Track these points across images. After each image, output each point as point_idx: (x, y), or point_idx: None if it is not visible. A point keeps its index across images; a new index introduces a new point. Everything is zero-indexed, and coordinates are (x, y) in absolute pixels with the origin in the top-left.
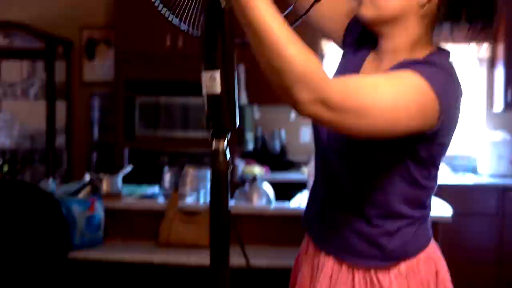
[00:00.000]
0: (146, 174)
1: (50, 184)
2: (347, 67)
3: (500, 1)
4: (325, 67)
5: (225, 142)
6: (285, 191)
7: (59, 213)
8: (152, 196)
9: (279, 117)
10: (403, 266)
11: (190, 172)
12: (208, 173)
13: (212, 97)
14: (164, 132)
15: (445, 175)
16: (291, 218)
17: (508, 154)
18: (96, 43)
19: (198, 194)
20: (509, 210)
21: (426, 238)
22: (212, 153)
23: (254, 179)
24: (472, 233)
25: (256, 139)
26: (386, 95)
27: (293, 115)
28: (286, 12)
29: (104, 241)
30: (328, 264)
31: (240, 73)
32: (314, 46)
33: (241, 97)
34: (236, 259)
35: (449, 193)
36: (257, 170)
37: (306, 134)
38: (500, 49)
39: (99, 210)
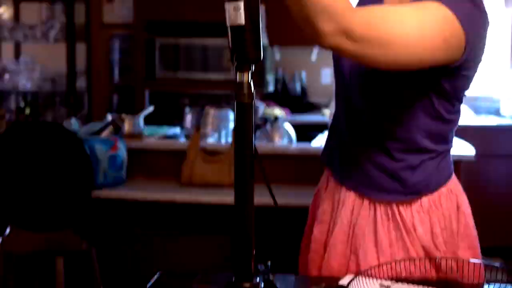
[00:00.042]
0: (167, 116)
1: (73, 124)
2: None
3: None
4: None
5: (249, 74)
6: (305, 133)
7: (82, 152)
8: (174, 137)
9: (299, 58)
10: (425, 200)
11: (211, 112)
12: (229, 114)
13: (235, 29)
14: (184, 74)
15: (467, 117)
16: (313, 157)
17: None
18: None
19: (219, 134)
20: None
21: (448, 172)
22: (236, 85)
23: (275, 119)
24: (494, 175)
25: (276, 81)
26: (411, 25)
27: (314, 56)
28: None
29: (127, 180)
30: (349, 199)
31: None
32: None
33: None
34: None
35: (471, 134)
36: (278, 112)
37: (327, 75)
38: None
39: (121, 150)
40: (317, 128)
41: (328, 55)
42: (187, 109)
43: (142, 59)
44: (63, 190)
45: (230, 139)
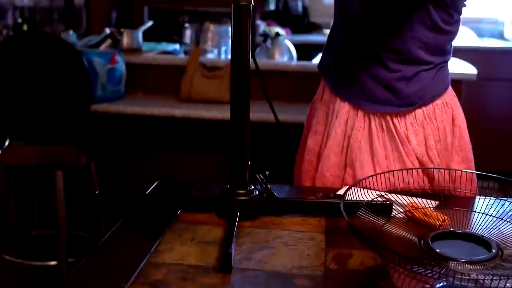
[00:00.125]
0: (166, 32)
1: (71, 36)
2: None
3: None
4: None
5: None
6: (306, 53)
7: (81, 64)
8: (173, 53)
9: None
10: (419, 112)
11: (211, 28)
12: (229, 30)
13: None
14: None
15: (470, 39)
16: (313, 74)
17: None
18: None
19: (219, 50)
20: None
21: (444, 85)
22: None
23: (276, 35)
24: (495, 99)
25: None
26: None
27: None
28: None
29: (125, 95)
30: (343, 109)
31: None
32: None
33: None
34: (257, 114)
35: (473, 57)
36: (279, 31)
37: None
38: None
39: (120, 63)
40: (318, 48)
41: None
42: (187, 25)
43: None
44: (61, 103)
45: (230, 56)
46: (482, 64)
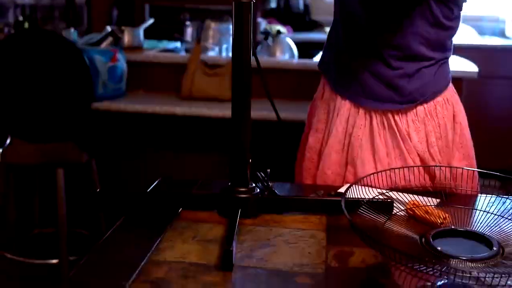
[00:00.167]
0: (167, 30)
1: (72, 33)
2: None
3: None
4: None
5: None
6: (307, 51)
7: (82, 62)
8: (174, 51)
9: None
10: (421, 109)
11: (212, 25)
12: (230, 27)
13: None
14: None
15: (471, 37)
16: (314, 72)
17: None
18: None
19: (220, 48)
20: None
21: (445, 81)
22: None
23: (278, 33)
24: (496, 97)
25: None
26: None
27: None
28: None
29: (126, 93)
30: (344, 107)
31: None
32: None
33: None
34: (259, 112)
35: (474, 55)
36: (280, 29)
37: None
38: None
39: (121, 61)
40: (320, 47)
41: None
42: (188, 23)
43: None
44: (63, 101)
45: (231, 54)
46: (483, 62)
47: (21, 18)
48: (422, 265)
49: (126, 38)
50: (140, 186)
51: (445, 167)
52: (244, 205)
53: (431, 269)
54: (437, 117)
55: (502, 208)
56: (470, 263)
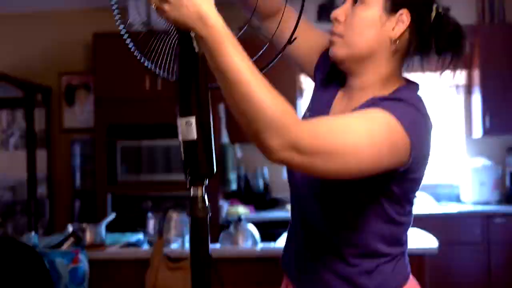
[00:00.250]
0: (130, 220)
1: (32, 237)
2: (318, 104)
3: (473, 29)
4: (297, 110)
5: (203, 189)
6: (270, 229)
7: (42, 267)
8: (137, 244)
9: (261, 155)
10: None
11: (174, 217)
12: None
13: (188, 144)
14: (147, 176)
15: (429, 205)
16: (278, 259)
17: (489, 180)
18: (75, 88)
19: (183, 239)
20: (494, 237)
21: (404, 275)
22: (191, 200)
23: (239, 219)
24: (459, 263)
25: (239, 179)
26: (357, 136)
27: None
28: (256, 57)
29: None
30: None
31: (220, 113)
32: (291, 80)
33: (222, 136)
34: None
35: (433, 223)
36: (242, 210)
37: None
38: (476, 75)
39: (83, 262)
40: (282, 225)
41: None
42: (150, 214)
43: (103, 163)
44: None
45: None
46: (443, 230)
47: None
48: None
49: (88, 236)
50: None
51: None
52: None
53: None
54: None
55: None
56: None
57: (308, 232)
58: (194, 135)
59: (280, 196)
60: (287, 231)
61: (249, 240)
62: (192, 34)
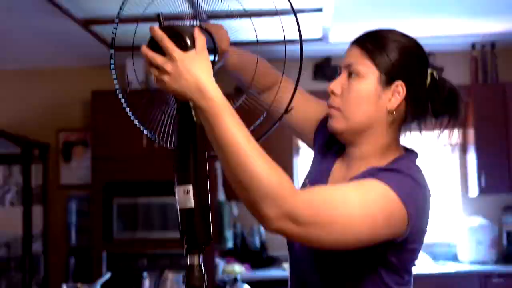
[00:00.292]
0: (125, 280)
1: None
2: (318, 172)
3: (467, 88)
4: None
5: (200, 257)
6: None
7: None
8: None
9: None
10: None
11: (170, 277)
12: None
13: (185, 212)
14: (143, 234)
15: (426, 264)
16: None
17: (486, 239)
18: (72, 144)
19: None
20: None
21: None
22: (187, 268)
23: (234, 280)
24: None
25: (235, 236)
26: (353, 207)
27: None
28: (253, 127)
29: None
30: None
31: (217, 170)
32: (288, 139)
33: (219, 193)
34: None
35: (431, 283)
36: (238, 269)
37: None
38: (470, 134)
39: None
40: (278, 284)
41: None
42: (145, 274)
43: (99, 220)
44: None
45: None
46: None
47: None
48: None
49: None
50: None
51: None
52: None
53: None
54: None
55: None
56: None
57: None
58: (191, 203)
59: (276, 254)
60: None
61: None
62: (191, 104)
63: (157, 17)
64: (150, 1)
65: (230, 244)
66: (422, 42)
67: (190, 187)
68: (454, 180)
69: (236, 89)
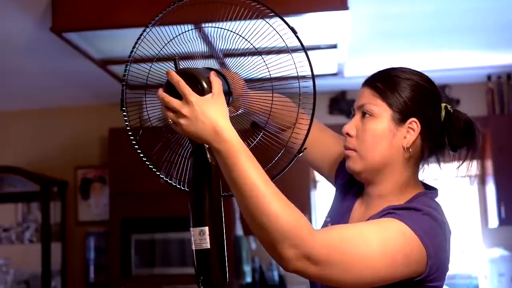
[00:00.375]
0: None
1: None
2: (338, 211)
3: (484, 120)
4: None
5: None
6: None
7: None
8: None
9: None
10: None
11: None
12: None
13: (201, 252)
14: (161, 270)
15: None
16: None
17: (508, 271)
18: (90, 181)
19: None
20: None
21: None
22: None
23: None
24: None
25: (253, 271)
26: (371, 244)
27: None
28: (269, 165)
29: None
30: None
31: (234, 205)
32: (305, 172)
33: (236, 228)
34: None
35: None
36: None
37: None
38: (489, 165)
39: None
40: None
41: None
42: None
43: (117, 257)
44: None
45: None
46: None
47: None
48: None
49: None
50: None
51: None
52: None
53: None
54: None
55: None
56: None
57: None
58: (207, 244)
59: (295, 287)
60: None
61: None
62: (206, 146)
63: (173, 61)
64: (167, 42)
65: (248, 279)
66: (437, 75)
67: (206, 229)
68: (473, 211)
69: (252, 124)
